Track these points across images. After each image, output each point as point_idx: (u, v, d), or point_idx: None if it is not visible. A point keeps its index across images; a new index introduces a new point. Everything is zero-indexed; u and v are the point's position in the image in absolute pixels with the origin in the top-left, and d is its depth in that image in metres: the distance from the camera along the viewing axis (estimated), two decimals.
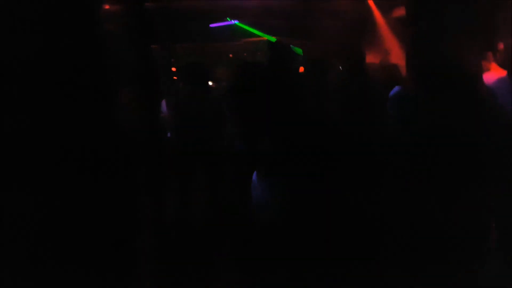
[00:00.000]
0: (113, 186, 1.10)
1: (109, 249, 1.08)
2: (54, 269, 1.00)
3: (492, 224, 2.10)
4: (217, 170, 4.04)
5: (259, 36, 9.00)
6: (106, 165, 1.07)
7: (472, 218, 1.92)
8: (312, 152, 1.72)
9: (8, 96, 0.95)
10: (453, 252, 1.92)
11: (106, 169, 1.07)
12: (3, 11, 0.94)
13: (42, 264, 1.00)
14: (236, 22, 9.16)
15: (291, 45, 3.67)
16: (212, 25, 8.82)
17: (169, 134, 4.17)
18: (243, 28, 9.10)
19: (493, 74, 4.18)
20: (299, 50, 3.92)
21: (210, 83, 4.56)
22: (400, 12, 7.37)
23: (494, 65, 4.51)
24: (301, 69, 4.08)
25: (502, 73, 3.32)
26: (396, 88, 3.39)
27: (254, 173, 1.86)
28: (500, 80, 3.21)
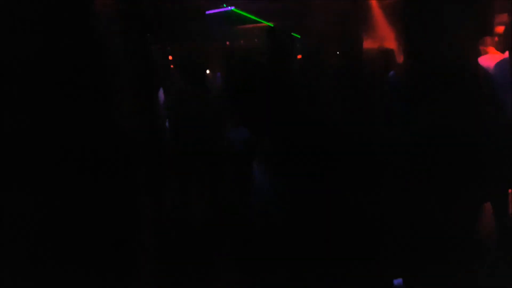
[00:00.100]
0: (113, 186, 1.10)
1: (109, 249, 1.08)
2: (54, 269, 1.00)
3: (492, 224, 2.10)
4: (217, 170, 4.04)
5: (256, 22, 8.96)
6: (106, 165, 1.07)
7: (472, 218, 1.92)
8: (312, 147, 1.72)
9: (8, 96, 0.95)
10: (453, 252, 1.91)
11: (106, 168, 1.07)
12: (3, 11, 0.94)
13: (42, 264, 1.00)
14: (232, 8, 9.13)
15: (291, 32, 3.65)
16: (208, 12, 8.81)
17: (167, 124, 4.14)
18: (240, 14, 9.06)
19: (493, 57, 4.23)
20: (297, 36, 3.90)
21: (207, 72, 4.55)
22: None
23: (492, 49, 4.56)
24: (299, 57, 4.07)
25: (503, 55, 3.35)
26: (391, 73, 3.39)
27: (255, 173, 1.86)
28: (502, 62, 3.23)
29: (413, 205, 1.94)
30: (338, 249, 1.68)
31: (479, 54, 4.42)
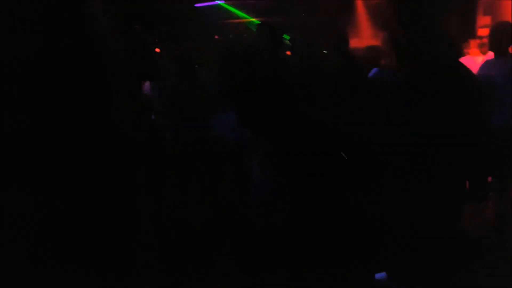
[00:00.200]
0: (113, 186, 1.10)
1: (109, 249, 1.08)
2: (54, 269, 1.00)
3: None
4: (217, 170, 4.04)
5: (243, 18, 9.08)
6: (106, 165, 1.07)
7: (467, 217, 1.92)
8: (304, 143, 1.71)
9: (8, 96, 0.95)
10: (453, 252, 1.91)
11: (106, 168, 1.07)
12: (3, 11, 0.94)
13: (42, 264, 1.00)
14: (221, 2, 9.25)
15: (281, 31, 3.66)
16: (197, 5, 8.96)
17: (153, 117, 4.13)
18: (228, 9, 9.20)
19: (476, 58, 4.36)
20: (286, 37, 3.91)
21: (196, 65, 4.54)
22: None
23: (475, 50, 4.70)
24: (288, 53, 4.08)
25: (489, 56, 3.43)
26: (374, 70, 3.43)
27: (254, 171, 1.86)
28: (487, 62, 3.30)
29: (411, 205, 1.94)
30: (338, 249, 1.68)
31: (462, 54, 4.52)
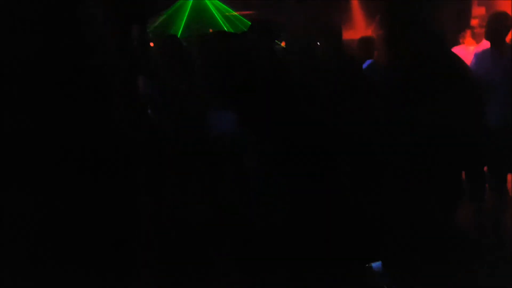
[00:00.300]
0: (113, 186, 1.10)
1: (109, 249, 1.08)
2: (54, 269, 1.00)
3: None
4: (217, 170, 4.03)
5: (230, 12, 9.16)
6: (106, 165, 1.07)
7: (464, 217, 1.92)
8: (303, 142, 1.71)
9: (8, 96, 0.95)
10: (453, 252, 1.91)
11: (106, 168, 1.07)
12: (3, 11, 0.94)
13: (42, 264, 1.00)
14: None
15: (277, 29, 3.66)
16: None
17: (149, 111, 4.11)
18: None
19: (470, 47, 4.40)
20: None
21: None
22: None
23: (470, 40, 4.74)
24: (283, 43, 4.07)
25: (486, 45, 3.43)
26: (369, 61, 3.43)
27: (254, 171, 1.85)
28: (482, 52, 3.30)
29: (409, 205, 1.94)
30: (338, 249, 1.68)
31: (457, 43, 4.52)
